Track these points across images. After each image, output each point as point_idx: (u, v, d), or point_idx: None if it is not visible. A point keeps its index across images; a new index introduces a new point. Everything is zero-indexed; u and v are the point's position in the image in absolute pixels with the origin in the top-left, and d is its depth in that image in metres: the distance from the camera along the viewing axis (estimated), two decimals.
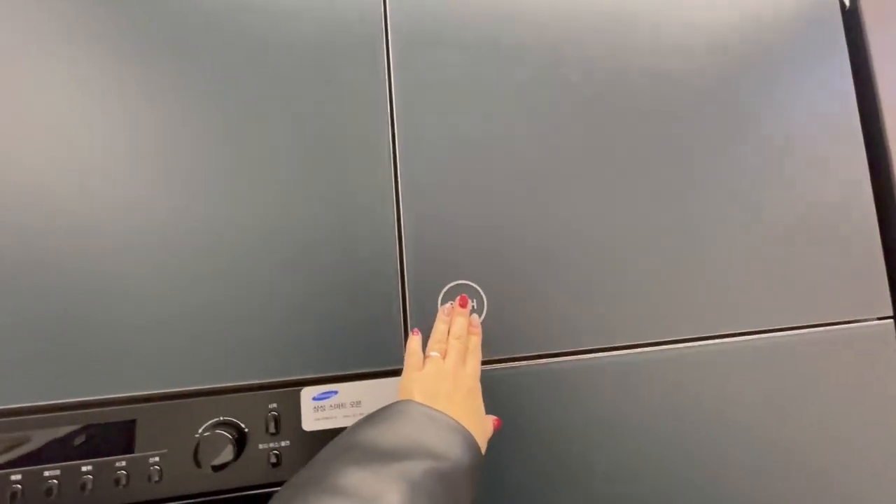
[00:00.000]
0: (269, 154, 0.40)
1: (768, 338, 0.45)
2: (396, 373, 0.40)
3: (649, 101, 0.46)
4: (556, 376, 0.42)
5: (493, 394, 0.40)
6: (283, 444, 0.37)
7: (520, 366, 0.42)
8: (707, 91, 0.47)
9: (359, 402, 0.39)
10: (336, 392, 0.38)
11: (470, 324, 0.38)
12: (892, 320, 0.48)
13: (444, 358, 0.35)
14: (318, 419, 0.38)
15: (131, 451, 0.35)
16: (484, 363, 0.39)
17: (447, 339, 0.36)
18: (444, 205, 0.42)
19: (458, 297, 0.39)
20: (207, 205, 0.39)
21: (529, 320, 0.42)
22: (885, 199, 0.50)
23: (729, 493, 0.43)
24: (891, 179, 0.50)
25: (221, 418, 0.36)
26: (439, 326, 0.37)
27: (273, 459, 0.37)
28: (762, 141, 0.48)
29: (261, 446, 0.37)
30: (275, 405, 0.37)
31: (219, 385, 0.37)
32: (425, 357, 0.35)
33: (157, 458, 0.35)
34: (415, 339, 0.36)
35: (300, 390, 0.38)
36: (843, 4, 0.52)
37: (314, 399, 0.38)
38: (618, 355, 0.43)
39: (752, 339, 0.45)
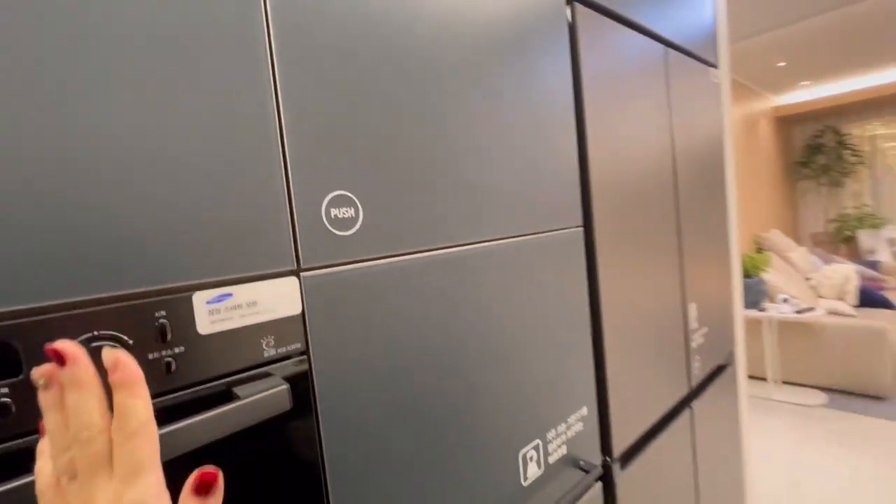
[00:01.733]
0: (146, 44, 0.34)
1: (506, 243, 0.68)
2: (285, 273, 0.43)
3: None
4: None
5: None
6: (177, 350, 0.36)
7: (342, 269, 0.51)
8: (459, 66, 0.65)
9: (255, 303, 0.40)
10: (231, 294, 0.39)
11: (115, 379, 0.22)
12: (581, 228, 0.80)
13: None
14: (215, 321, 0.38)
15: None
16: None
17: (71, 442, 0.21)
18: (329, 109, 0.45)
19: (51, 349, 0.21)
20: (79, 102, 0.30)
21: None
22: (584, 159, 0.80)
23: (491, 374, 0.66)
24: (584, 140, 0.80)
25: (95, 333, 0.32)
26: (50, 420, 0.21)
27: (166, 367, 0.35)
28: (502, 113, 0.69)
29: (151, 356, 0.34)
30: (163, 313, 0.35)
31: (96, 296, 0.32)
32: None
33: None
34: (42, 459, 0.23)
35: (192, 295, 0.37)
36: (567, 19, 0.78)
37: (208, 303, 0.37)
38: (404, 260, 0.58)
39: (495, 244, 0.67)
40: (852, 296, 3.25)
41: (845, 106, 5.20)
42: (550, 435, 0.72)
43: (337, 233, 0.46)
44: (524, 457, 0.67)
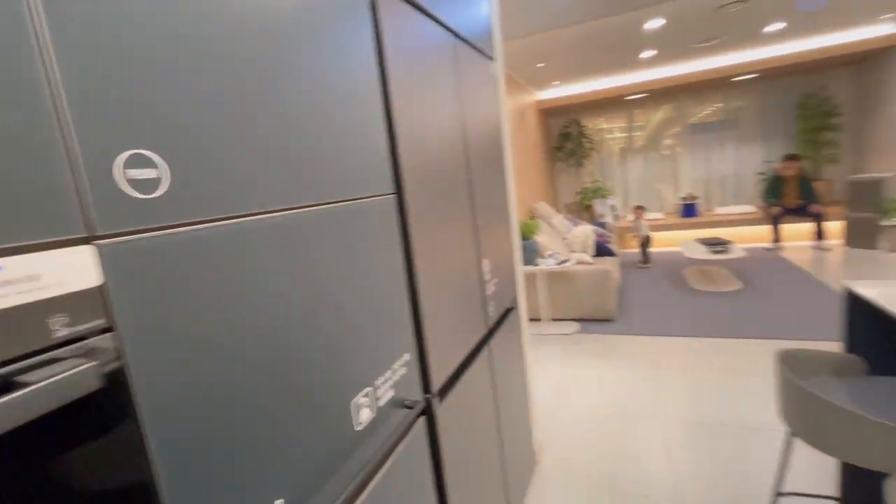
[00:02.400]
0: None
1: (325, 208, 0.73)
2: (75, 241, 0.37)
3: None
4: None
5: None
6: None
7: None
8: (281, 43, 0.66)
9: (36, 276, 0.34)
10: (1, 267, 0.32)
11: None
12: (394, 195, 0.88)
13: None
14: None
15: None
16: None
17: None
18: (111, 54, 0.40)
19: None
20: None
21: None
22: (392, 133, 0.88)
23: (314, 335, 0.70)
24: (391, 115, 0.88)
25: None
26: None
27: None
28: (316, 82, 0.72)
29: None
30: None
31: None
32: None
33: None
34: None
35: None
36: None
37: None
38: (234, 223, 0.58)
39: (313, 210, 0.72)
40: (591, 249, 4.33)
41: (584, 104, 6.72)
42: (379, 381, 0.80)
43: (137, 195, 0.42)
44: (356, 405, 0.73)
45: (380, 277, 0.82)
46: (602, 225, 5.85)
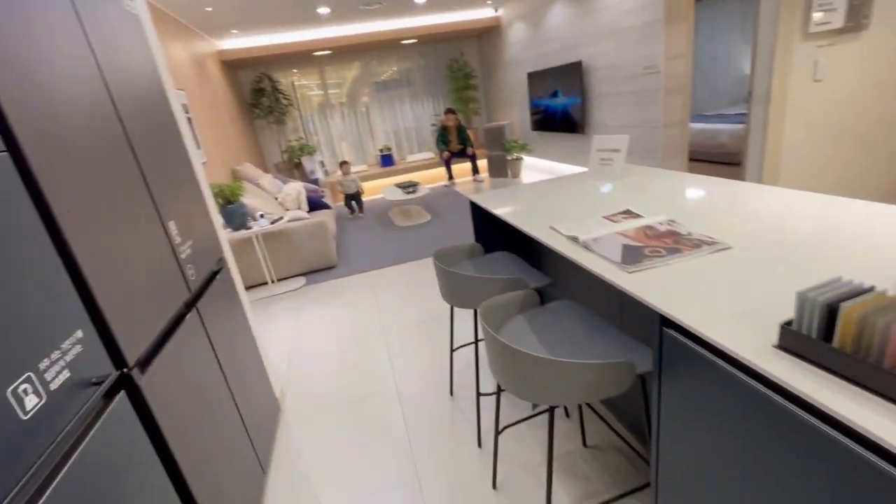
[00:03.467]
0: None
1: None
2: None
3: None
4: None
5: None
6: None
7: None
8: None
9: None
10: None
11: None
12: (5, 153, 0.74)
13: None
14: None
15: None
16: None
17: None
18: None
19: None
20: None
21: None
22: None
23: None
24: None
25: None
26: None
27: None
28: None
29: None
30: None
31: None
32: None
33: None
34: None
35: None
36: None
37: None
38: None
39: None
40: (305, 204, 4.45)
41: (272, 57, 6.43)
42: (44, 364, 0.72)
43: None
44: (15, 393, 0.65)
45: (9, 251, 0.71)
46: (315, 181, 6.02)
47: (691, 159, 5.56)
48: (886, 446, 0.52)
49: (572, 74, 4.71)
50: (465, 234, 4.42)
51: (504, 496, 1.52)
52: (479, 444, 1.76)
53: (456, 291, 1.52)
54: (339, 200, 6.70)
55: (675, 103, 3.58)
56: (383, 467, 1.72)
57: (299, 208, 4.34)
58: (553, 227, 1.44)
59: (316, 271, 4.01)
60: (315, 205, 4.68)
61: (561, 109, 5.14)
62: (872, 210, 1.17)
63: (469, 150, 6.62)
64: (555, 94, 5.18)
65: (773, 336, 0.73)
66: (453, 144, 6.62)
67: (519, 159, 6.19)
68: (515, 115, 6.69)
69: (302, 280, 3.82)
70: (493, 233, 2.17)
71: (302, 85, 7.13)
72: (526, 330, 1.28)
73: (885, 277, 0.85)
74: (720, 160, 5.32)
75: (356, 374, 2.38)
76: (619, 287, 1.00)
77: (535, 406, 1.92)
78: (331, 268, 4.04)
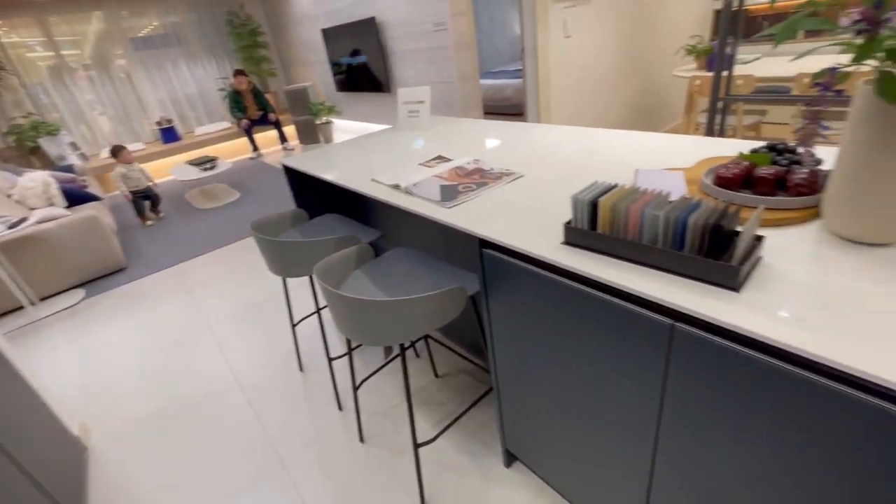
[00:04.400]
0: None
1: None
2: None
3: None
4: None
5: None
6: None
7: None
8: None
9: None
10: None
11: None
12: None
13: None
14: None
15: None
16: None
17: None
18: None
19: None
20: None
21: None
22: None
23: None
24: None
25: None
26: None
27: None
28: None
29: None
30: None
31: None
32: None
33: None
34: None
35: None
36: None
37: None
38: None
39: None
40: (59, 198, 3.46)
41: None
42: None
43: None
44: None
45: None
46: (68, 169, 4.71)
47: (485, 113, 6.19)
48: (636, 294, 0.71)
49: (368, 31, 4.65)
50: (283, 206, 4.11)
51: (373, 444, 1.57)
52: (340, 407, 1.76)
53: (285, 261, 1.43)
54: (112, 189, 5.42)
55: (465, 58, 3.88)
56: (240, 464, 1.58)
57: (51, 204, 3.37)
58: (375, 180, 1.45)
59: (99, 278, 3.23)
60: (77, 197, 3.69)
61: (362, 68, 5.06)
62: (614, 135, 1.51)
63: (272, 117, 6.05)
64: (355, 53, 5.05)
65: (562, 235, 0.90)
66: (251, 111, 5.95)
67: (329, 122, 5.93)
68: (317, 75, 6.32)
69: (80, 293, 3.05)
70: (315, 198, 2.07)
71: (15, 42, 5.33)
72: (365, 282, 1.29)
73: (624, 178, 1.12)
74: (508, 112, 6.06)
75: (185, 380, 2.07)
76: (443, 222, 1.09)
77: (386, 355, 1.99)
78: (120, 270, 3.31)
